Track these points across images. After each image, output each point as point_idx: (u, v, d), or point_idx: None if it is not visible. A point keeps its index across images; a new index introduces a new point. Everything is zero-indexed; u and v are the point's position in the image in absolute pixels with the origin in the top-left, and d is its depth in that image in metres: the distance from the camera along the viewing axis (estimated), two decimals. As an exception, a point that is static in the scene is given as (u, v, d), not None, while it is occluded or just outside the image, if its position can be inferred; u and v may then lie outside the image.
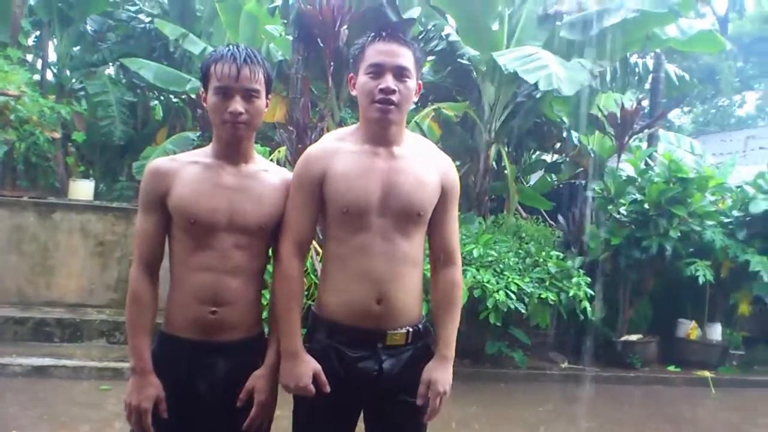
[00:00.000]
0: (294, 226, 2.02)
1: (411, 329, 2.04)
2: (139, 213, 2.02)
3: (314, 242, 4.58)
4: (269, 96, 2.05)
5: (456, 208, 2.16)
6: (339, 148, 2.04)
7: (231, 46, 1.99)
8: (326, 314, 2.03)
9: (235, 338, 2.01)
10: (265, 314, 2.15)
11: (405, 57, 1.99)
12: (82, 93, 10.01)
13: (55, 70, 10.22)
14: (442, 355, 2.06)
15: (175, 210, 1.97)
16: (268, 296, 2.18)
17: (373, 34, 2.04)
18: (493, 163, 8.19)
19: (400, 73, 1.98)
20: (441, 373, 2.04)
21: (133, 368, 1.96)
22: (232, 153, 2.03)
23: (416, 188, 2.01)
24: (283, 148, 6.70)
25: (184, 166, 2.02)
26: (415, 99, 2.09)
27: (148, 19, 10.06)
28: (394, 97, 1.96)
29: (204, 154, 2.07)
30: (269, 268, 2.13)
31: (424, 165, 2.06)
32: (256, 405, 1.98)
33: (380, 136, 2.03)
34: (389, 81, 1.96)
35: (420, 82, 2.08)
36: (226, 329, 1.99)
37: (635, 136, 8.22)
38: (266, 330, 2.14)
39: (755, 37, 21.68)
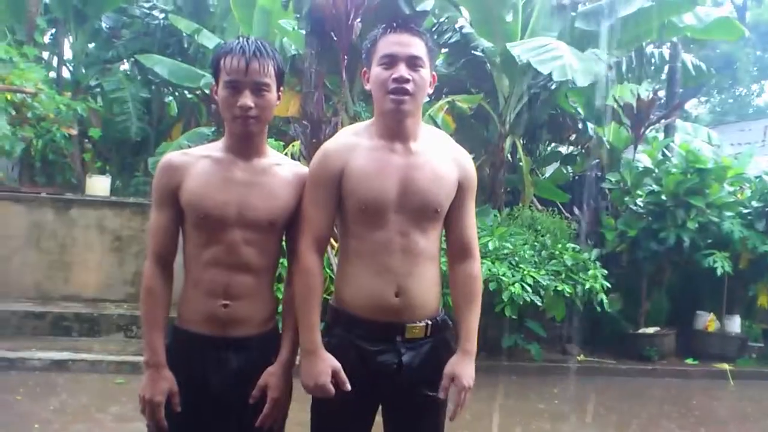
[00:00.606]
0: (313, 222, 2.00)
1: (430, 322, 2.03)
2: (153, 208, 2.01)
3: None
4: (281, 89, 2.01)
5: (473, 202, 2.14)
6: (356, 144, 2.01)
7: (241, 39, 1.95)
8: (345, 308, 2.02)
9: (248, 334, 1.99)
10: (279, 309, 2.13)
11: (417, 46, 1.97)
12: (98, 90, 10.08)
13: (70, 68, 10.29)
14: (465, 349, 2.04)
15: (186, 204, 1.96)
16: (281, 291, 2.16)
17: (384, 26, 2.02)
18: (508, 155, 8.14)
19: (413, 63, 1.96)
20: (464, 368, 2.02)
21: (146, 362, 1.96)
22: (244, 147, 2.00)
23: (433, 185, 1.99)
24: (297, 143, 6.71)
25: (196, 160, 2.00)
26: (430, 91, 2.06)
27: (162, 15, 10.09)
28: (408, 86, 1.94)
29: (216, 148, 2.04)
30: (283, 261, 2.11)
31: (441, 160, 2.04)
32: (268, 402, 1.96)
33: (396, 130, 2.00)
34: (402, 70, 1.94)
35: (434, 73, 2.06)
36: (238, 324, 1.97)
37: (652, 127, 8.14)
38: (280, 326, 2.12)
39: (774, 25, 21.38)
